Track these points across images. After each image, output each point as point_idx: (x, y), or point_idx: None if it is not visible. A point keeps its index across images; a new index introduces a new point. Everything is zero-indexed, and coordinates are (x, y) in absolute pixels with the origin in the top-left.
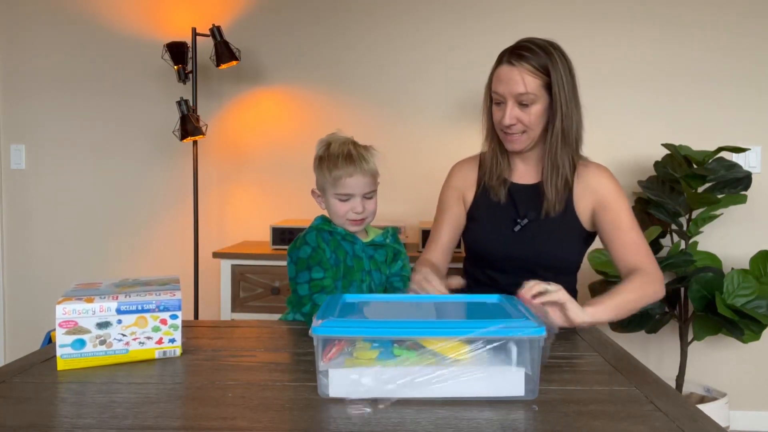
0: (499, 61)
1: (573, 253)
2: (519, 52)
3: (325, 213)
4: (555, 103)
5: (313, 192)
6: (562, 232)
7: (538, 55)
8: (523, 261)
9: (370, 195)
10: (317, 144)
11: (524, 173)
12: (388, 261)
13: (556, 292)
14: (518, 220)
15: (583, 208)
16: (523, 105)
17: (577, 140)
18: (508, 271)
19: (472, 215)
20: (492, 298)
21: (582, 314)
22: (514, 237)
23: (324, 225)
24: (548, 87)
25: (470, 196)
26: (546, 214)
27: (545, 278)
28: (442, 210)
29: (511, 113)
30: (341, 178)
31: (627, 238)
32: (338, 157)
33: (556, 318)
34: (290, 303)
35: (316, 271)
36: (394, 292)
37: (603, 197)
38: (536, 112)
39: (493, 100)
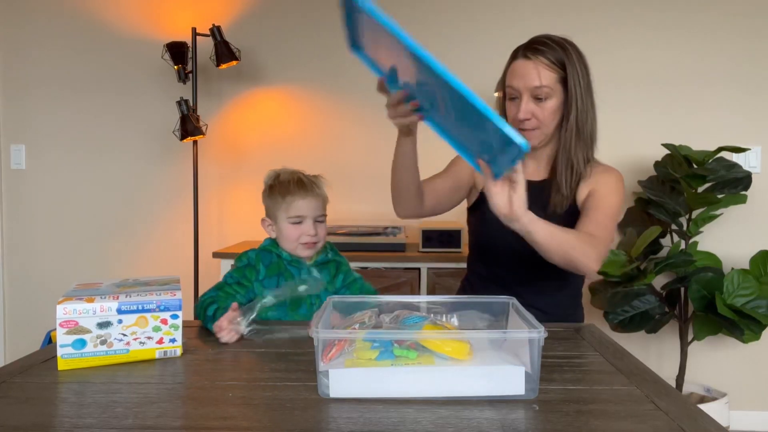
0: (514, 56)
1: None
2: (535, 47)
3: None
4: (570, 97)
5: (263, 221)
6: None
7: (554, 49)
8: (528, 258)
9: (321, 219)
10: (266, 176)
11: (534, 171)
12: (332, 277)
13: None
14: None
15: (581, 203)
16: (538, 99)
17: (592, 137)
18: (512, 268)
19: (479, 206)
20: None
21: (523, 208)
22: (519, 234)
23: (272, 247)
24: (563, 82)
25: (482, 180)
26: (553, 211)
27: (551, 275)
28: (450, 165)
29: (526, 107)
30: (294, 201)
31: (596, 217)
32: (290, 182)
33: (498, 196)
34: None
35: (231, 277)
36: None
37: (597, 187)
38: (551, 107)
39: (507, 95)
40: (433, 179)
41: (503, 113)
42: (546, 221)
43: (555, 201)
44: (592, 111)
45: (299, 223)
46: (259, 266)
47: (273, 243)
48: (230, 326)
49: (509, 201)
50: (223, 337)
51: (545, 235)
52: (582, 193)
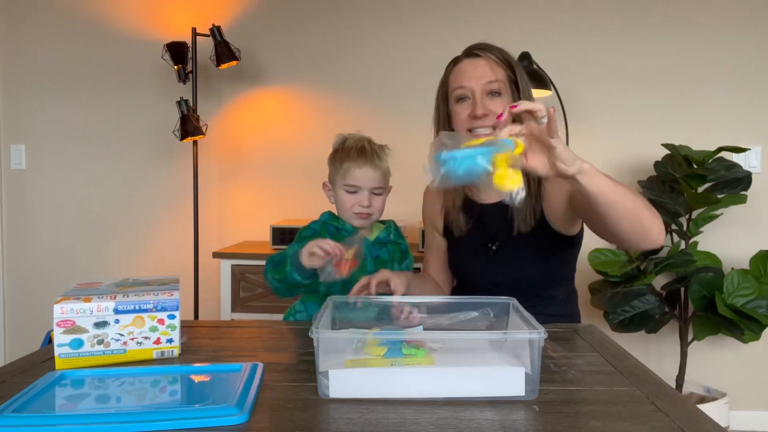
0: (456, 61)
1: (558, 264)
2: (480, 47)
3: (333, 209)
4: (523, 97)
5: (324, 185)
6: (538, 246)
7: (499, 50)
8: (509, 284)
9: (378, 191)
10: (335, 138)
11: (491, 191)
12: (396, 259)
13: (541, 119)
14: (489, 245)
15: (555, 209)
16: (493, 94)
17: None
18: (497, 295)
19: (447, 240)
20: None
21: (573, 161)
22: (491, 261)
23: (331, 220)
24: (512, 82)
25: (440, 222)
26: (518, 232)
27: (536, 295)
28: (426, 238)
29: (482, 102)
30: (351, 169)
31: None
32: (351, 149)
33: (535, 161)
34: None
35: (304, 235)
36: None
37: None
38: (503, 103)
39: (454, 98)
40: (427, 269)
41: (446, 120)
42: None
43: (519, 222)
44: None
45: (355, 192)
46: (324, 234)
47: (331, 216)
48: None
49: (550, 160)
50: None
51: (607, 186)
52: (552, 204)
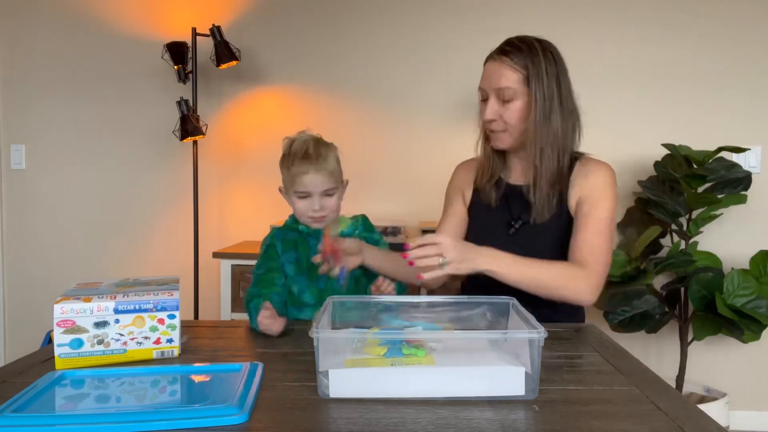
0: (487, 59)
1: None
2: (503, 48)
3: None
4: (531, 98)
5: (280, 189)
6: (558, 232)
7: (520, 50)
8: None
9: (330, 192)
10: (282, 142)
11: (521, 173)
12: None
13: (442, 265)
14: (512, 223)
15: (573, 204)
16: (504, 101)
17: (564, 139)
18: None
19: (469, 216)
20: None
21: (472, 264)
22: (509, 240)
23: (292, 223)
24: (529, 83)
25: (468, 196)
26: (534, 221)
27: None
28: (445, 207)
29: (491, 108)
30: (297, 175)
31: (587, 239)
32: (296, 155)
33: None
34: None
35: (258, 267)
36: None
37: (587, 190)
38: (516, 108)
39: (480, 97)
40: (445, 232)
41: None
42: (516, 259)
43: (535, 213)
44: (565, 113)
45: (305, 197)
46: (276, 243)
47: (294, 219)
48: (271, 320)
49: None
50: (270, 330)
51: (513, 277)
52: (572, 199)
